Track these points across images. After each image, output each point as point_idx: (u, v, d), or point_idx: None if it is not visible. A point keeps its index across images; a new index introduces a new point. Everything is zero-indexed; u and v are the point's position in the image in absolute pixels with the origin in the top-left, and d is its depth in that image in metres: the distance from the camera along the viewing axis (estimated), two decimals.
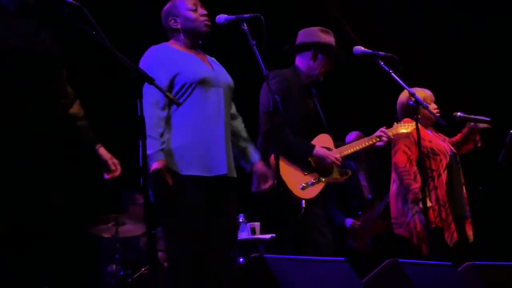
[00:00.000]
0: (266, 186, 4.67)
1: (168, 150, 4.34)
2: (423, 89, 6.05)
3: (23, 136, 3.81)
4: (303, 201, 5.07)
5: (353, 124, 5.64)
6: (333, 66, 5.42)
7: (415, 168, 5.85)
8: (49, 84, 3.94)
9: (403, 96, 6.01)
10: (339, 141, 5.44)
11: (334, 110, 5.78)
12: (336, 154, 5.19)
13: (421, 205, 5.55)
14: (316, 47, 5.36)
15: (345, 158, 5.34)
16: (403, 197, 5.90)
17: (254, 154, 4.74)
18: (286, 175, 5.05)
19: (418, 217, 5.81)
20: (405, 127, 5.61)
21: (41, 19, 4.01)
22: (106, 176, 4.16)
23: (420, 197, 5.43)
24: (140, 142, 3.64)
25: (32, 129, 3.84)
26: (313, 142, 5.21)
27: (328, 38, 5.40)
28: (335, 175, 5.25)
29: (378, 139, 5.38)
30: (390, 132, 5.45)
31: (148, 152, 4.11)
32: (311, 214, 5.11)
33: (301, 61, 5.41)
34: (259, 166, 4.72)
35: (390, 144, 5.59)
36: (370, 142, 5.38)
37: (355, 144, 5.38)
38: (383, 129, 5.44)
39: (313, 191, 5.12)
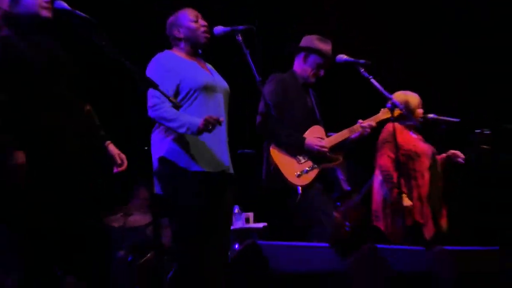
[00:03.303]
0: None
1: (177, 150, 4.39)
2: (412, 93, 6.04)
3: (63, 142, 3.88)
4: (299, 188, 5.12)
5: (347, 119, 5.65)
6: (323, 71, 5.49)
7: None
8: (72, 91, 4.01)
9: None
10: (331, 132, 5.50)
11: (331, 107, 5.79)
12: (323, 143, 5.25)
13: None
14: (308, 50, 5.46)
15: (335, 146, 5.37)
16: (384, 194, 5.90)
17: None
18: (282, 165, 5.16)
19: (395, 215, 5.80)
20: (385, 113, 5.56)
21: (58, 33, 4.06)
22: (115, 170, 4.21)
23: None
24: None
25: (69, 135, 3.91)
26: (307, 132, 5.29)
27: (322, 46, 5.49)
28: (327, 161, 5.31)
29: (361, 128, 5.41)
30: (371, 120, 5.48)
31: (185, 127, 4.26)
32: (310, 198, 5.15)
33: (297, 63, 5.52)
34: None
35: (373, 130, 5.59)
36: (355, 130, 5.42)
37: (341, 134, 5.41)
38: (360, 121, 5.45)
39: (308, 178, 5.18)
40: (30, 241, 3.81)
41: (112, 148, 4.22)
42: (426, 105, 6.10)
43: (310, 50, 5.46)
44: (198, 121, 4.25)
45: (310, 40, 5.50)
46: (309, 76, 5.44)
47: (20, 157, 3.65)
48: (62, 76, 3.95)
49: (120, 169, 4.19)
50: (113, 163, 4.20)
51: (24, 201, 3.76)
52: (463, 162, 6.08)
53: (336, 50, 5.42)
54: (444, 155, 6.12)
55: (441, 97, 6.09)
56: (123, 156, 4.22)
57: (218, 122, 4.26)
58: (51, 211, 3.79)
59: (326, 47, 5.49)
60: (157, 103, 4.32)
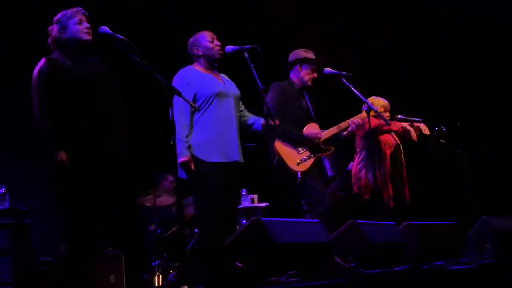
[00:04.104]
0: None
1: (196, 144, 4.43)
2: (383, 99, 6.05)
3: (99, 138, 3.96)
4: (299, 173, 5.11)
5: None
6: (315, 74, 5.46)
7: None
8: (109, 99, 4.05)
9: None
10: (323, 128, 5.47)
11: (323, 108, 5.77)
12: (319, 132, 5.25)
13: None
14: (300, 61, 5.45)
15: (328, 139, 5.35)
16: (360, 167, 5.93)
17: (255, 117, 4.78)
18: (285, 155, 5.16)
19: (367, 177, 5.85)
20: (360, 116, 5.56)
21: (97, 53, 4.10)
22: None
23: None
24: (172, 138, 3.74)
25: (106, 132, 4.00)
26: (305, 128, 5.26)
27: (308, 54, 5.51)
28: (321, 151, 5.28)
29: (346, 125, 5.40)
30: (357, 118, 5.46)
31: (178, 150, 4.28)
32: (307, 181, 5.14)
33: (293, 74, 5.51)
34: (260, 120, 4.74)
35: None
36: (343, 126, 5.41)
37: (333, 129, 5.40)
38: (351, 119, 5.45)
39: (306, 165, 5.18)
40: (77, 216, 3.87)
41: None
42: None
43: (302, 61, 5.46)
44: (184, 157, 4.33)
45: (298, 53, 5.52)
46: (307, 80, 5.45)
47: (62, 155, 3.82)
48: (102, 89, 3.99)
49: None
50: None
51: (73, 186, 3.88)
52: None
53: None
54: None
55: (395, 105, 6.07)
56: None
57: (190, 169, 4.35)
58: (91, 194, 3.89)
59: (311, 55, 5.53)
60: (175, 118, 4.28)
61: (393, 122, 5.93)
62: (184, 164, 4.36)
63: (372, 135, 5.69)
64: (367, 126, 5.69)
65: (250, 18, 7.90)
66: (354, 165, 6.05)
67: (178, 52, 5.05)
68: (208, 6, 7.60)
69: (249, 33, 6.89)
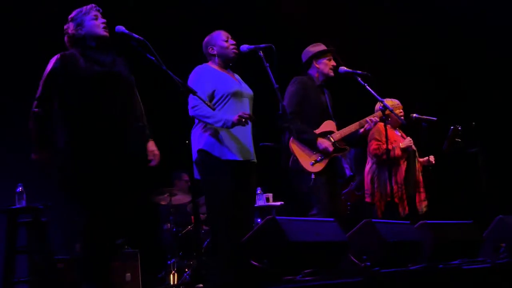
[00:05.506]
0: None
1: (212, 142, 4.40)
2: (392, 99, 6.01)
3: (110, 136, 3.92)
4: (313, 174, 5.06)
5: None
6: (333, 61, 5.37)
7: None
8: (125, 96, 4.01)
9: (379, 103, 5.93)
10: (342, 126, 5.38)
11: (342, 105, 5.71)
12: (328, 142, 5.13)
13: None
14: (315, 57, 5.36)
15: (345, 137, 5.25)
16: (372, 176, 5.91)
17: None
18: (300, 155, 5.07)
19: (380, 191, 5.82)
20: (377, 114, 5.46)
21: (115, 50, 4.07)
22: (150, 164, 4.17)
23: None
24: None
25: (118, 129, 3.95)
26: (321, 127, 5.19)
27: (320, 47, 5.41)
28: (336, 152, 5.20)
29: (365, 122, 5.29)
30: (374, 116, 5.34)
31: (220, 124, 4.32)
32: (318, 186, 5.06)
33: (311, 71, 5.39)
34: None
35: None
36: (359, 126, 5.30)
37: (350, 127, 5.30)
38: (369, 117, 5.34)
39: (320, 166, 5.07)
40: (90, 215, 3.85)
41: (150, 145, 4.17)
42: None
43: (316, 56, 5.37)
44: (232, 117, 4.30)
45: (309, 51, 5.41)
46: (327, 72, 5.33)
47: (42, 155, 3.92)
48: (116, 87, 3.94)
49: (151, 164, 4.14)
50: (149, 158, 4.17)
51: (84, 184, 3.86)
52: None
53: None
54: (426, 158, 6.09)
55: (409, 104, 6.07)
56: (156, 153, 4.16)
57: (250, 117, 4.33)
58: (103, 191, 3.87)
59: (322, 47, 5.43)
60: (197, 104, 4.36)
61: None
62: (241, 118, 4.29)
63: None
64: (376, 132, 5.70)
65: (256, 17, 7.88)
66: (366, 171, 6.02)
67: (188, 51, 5.04)
68: (212, 6, 7.59)
69: (254, 32, 6.85)
